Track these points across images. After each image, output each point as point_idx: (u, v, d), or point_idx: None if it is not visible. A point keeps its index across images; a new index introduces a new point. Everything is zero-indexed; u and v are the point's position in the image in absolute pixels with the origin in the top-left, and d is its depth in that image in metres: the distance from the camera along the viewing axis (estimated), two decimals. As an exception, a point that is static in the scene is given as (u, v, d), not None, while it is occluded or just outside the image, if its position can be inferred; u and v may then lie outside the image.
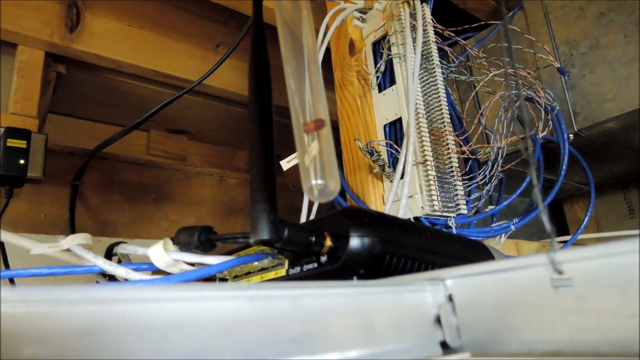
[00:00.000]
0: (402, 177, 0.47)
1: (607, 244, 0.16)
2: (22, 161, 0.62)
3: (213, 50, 0.93)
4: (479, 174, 0.55)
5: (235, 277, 0.34)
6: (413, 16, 0.54)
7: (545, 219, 0.18)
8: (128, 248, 0.32)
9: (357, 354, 0.16)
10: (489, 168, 0.55)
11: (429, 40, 0.54)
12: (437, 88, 0.53)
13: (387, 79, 0.56)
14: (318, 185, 0.21)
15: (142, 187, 0.83)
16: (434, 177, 0.49)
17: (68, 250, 0.30)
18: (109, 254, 0.35)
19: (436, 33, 0.57)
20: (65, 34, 0.75)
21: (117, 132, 0.70)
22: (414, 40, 0.53)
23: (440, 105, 0.52)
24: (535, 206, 0.58)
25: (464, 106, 0.70)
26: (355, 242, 0.25)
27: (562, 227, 1.12)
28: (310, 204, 0.51)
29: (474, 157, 0.57)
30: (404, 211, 0.46)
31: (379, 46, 0.58)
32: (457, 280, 0.21)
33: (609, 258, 0.16)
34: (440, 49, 0.58)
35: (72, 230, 0.70)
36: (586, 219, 0.65)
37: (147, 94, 0.92)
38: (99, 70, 0.84)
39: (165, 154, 1.04)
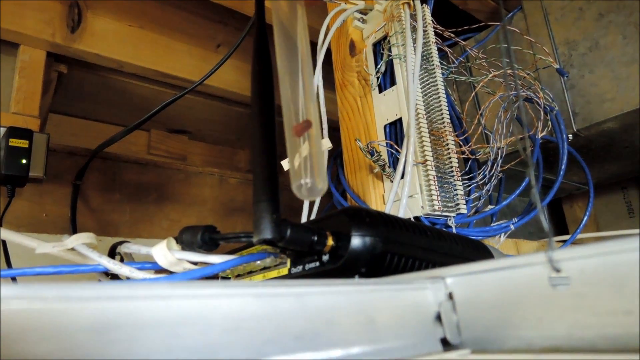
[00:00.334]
0: (402, 177, 0.47)
1: (604, 242, 0.17)
2: (24, 161, 0.62)
3: (214, 51, 0.93)
4: (479, 174, 0.55)
5: (238, 276, 0.34)
6: (413, 17, 0.55)
7: (543, 218, 0.19)
8: (132, 247, 0.33)
9: (360, 351, 0.16)
10: (489, 168, 0.55)
11: (429, 41, 0.55)
12: (437, 88, 0.53)
13: (387, 80, 0.57)
14: (307, 183, 0.22)
15: (143, 187, 0.83)
16: (434, 177, 0.50)
17: (72, 249, 0.30)
18: (112, 253, 0.35)
19: (436, 34, 0.57)
20: (67, 34, 0.76)
21: (119, 132, 0.71)
22: (414, 41, 0.53)
23: (440, 105, 0.53)
24: (535, 206, 0.59)
25: (463, 106, 0.70)
26: (356, 241, 0.25)
27: (561, 226, 1.12)
28: (311, 204, 0.51)
29: (473, 157, 0.58)
30: (405, 211, 0.47)
31: (380, 47, 0.59)
32: (457, 278, 0.21)
33: (606, 256, 0.17)
34: (440, 50, 0.59)
35: (74, 229, 0.70)
36: (585, 218, 0.66)
37: (148, 94, 0.93)
38: (100, 70, 0.85)
39: (166, 154, 1.05)
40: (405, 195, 0.46)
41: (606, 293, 0.16)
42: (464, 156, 0.58)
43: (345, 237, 0.26)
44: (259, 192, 0.24)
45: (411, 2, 0.55)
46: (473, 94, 0.66)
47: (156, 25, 0.85)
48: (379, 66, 0.57)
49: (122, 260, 0.35)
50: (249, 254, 0.29)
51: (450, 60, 0.62)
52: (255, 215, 0.24)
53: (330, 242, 0.26)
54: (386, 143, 0.53)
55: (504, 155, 0.56)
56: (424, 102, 0.53)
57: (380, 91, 0.57)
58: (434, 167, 0.50)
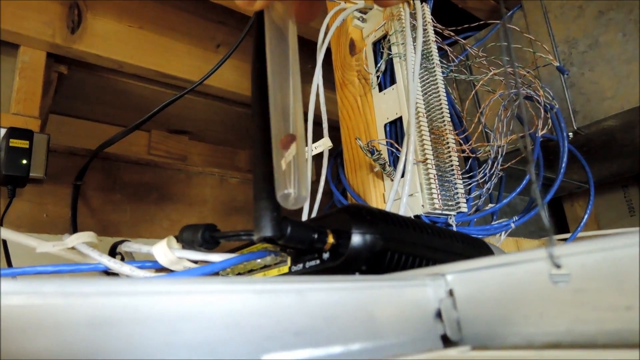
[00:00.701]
0: (402, 176, 0.47)
1: (605, 237, 0.17)
2: (24, 161, 0.62)
3: (214, 51, 0.93)
4: (479, 172, 0.55)
5: (238, 274, 0.34)
6: (413, 16, 0.55)
7: (543, 214, 0.19)
8: (132, 246, 0.33)
9: (360, 347, 0.16)
10: (489, 166, 0.55)
11: (429, 39, 0.55)
12: (437, 87, 0.53)
13: (387, 79, 0.57)
14: (291, 193, 0.22)
15: (144, 187, 0.83)
16: (435, 176, 0.49)
17: (73, 248, 0.30)
18: (112, 253, 0.35)
19: (436, 32, 0.57)
20: (67, 35, 0.76)
21: (119, 132, 0.71)
22: (414, 39, 0.53)
23: (441, 104, 0.53)
24: (535, 204, 0.59)
25: (463, 105, 0.70)
26: (357, 239, 0.25)
27: (562, 225, 1.12)
28: (312, 204, 0.51)
29: (474, 155, 0.58)
30: (405, 209, 0.47)
31: (380, 46, 0.59)
32: (457, 275, 0.21)
33: (607, 252, 0.17)
34: (440, 49, 0.59)
35: (74, 230, 0.70)
36: (585, 216, 0.66)
37: (148, 94, 0.93)
38: (100, 71, 0.85)
39: (166, 154, 1.05)
40: (406, 194, 0.46)
41: (607, 288, 0.16)
42: (464, 155, 0.58)
43: (345, 235, 0.26)
44: (260, 190, 0.24)
45: (411, 1, 0.55)
46: (473, 92, 0.66)
47: (156, 26, 0.85)
48: (379, 65, 0.57)
49: (122, 259, 0.35)
50: (249, 252, 0.29)
51: (450, 58, 0.62)
52: (256, 213, 0.24)
53: (330, 239, 0.26)
54: (386, 142, 0.53)
55: (504, 153, 0.56)
56: (424, 100, 0.53)
57: (380, 90, 0.57)
58: (434, 166, 0.50)
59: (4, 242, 0.57)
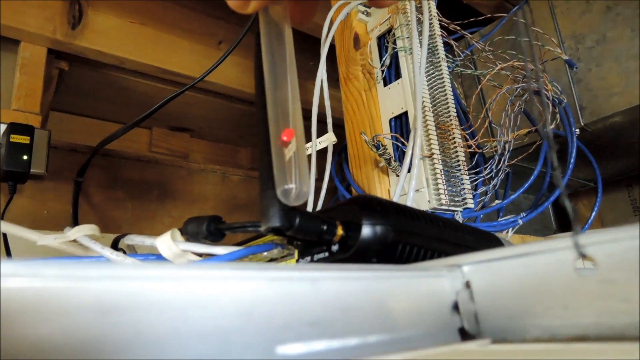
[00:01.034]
0: (409, 171, 0.46)
1: (633, 225, 0.16)
2: (25, 157, 0.62)
3: (215, 47, 0.92)
4: (485, 168, 0.54)
5: (243, 269, 0.34)
6: (418, 9, 0.54)
7: (566, 201, 0.18)
8: (135, 239, 0.32)
9: (377, 339, 0.16)
10: (496, 162, 0.54)
11: (434, 33, 0.54)
12: (443, 82, 0.52)
13: (392, 73, 0.56)
14: (292, 188, 0.22)
15: (145, 184, 0.82)
16: (441, 171, 0.49)
17: (74, 241, 0.29)
18: (115, 247, 0.34)
19: (441, 27, 0.56)
20: (68, 31, 0.75)
21: (120, 129, 0.70)
22: (420, 33, 0.52)
23: (447, 98, 0.52)
24: (543, 200, 0.58)
25: (469, 101, 0.69)
26: (367, 230, 0.25)
27: (565, 224, 1.11)
28: (316, 199, 0.50)
29: (480, 151, 0.57)
30: (412, 205, 0.46)
31: (384, 40, 0.58)
32: (474, 266, 0.20)
33: (636, 240, 0.16)
34: (445, 43, 0.58)
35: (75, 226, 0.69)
36: (593, 214, 0.65)
37: (150, 91, 0.92)
38: (101, 67, 0.84)
39: (167, 151, 1.04)
40: (413, 189, 0.45)
41: (636, 278, 0.16)
42: (470, 150, 0.57)
43: (355, 227, 0.25)
44: (266, 180, 0.23)
45: (417, -6, 0.54)
46: (480, 87, 0.65)
47: (157, 22, 0.85)
48: (383, 59, 0.56)
49: (124, 253, 0.34)
50: (255, 245, 0.28)
51: (455, 53, 0.62)
52: (263, 204, 0.23)
53: (340, 231, 0.25)
54: (392, 136, 0.52)
55: (510, 150, 0.55)
56: (430, 95, 0.52)
57: (385, 84, 0.56)
58: (440, 161, 0.49)
59: (4, 235, 0.56)
